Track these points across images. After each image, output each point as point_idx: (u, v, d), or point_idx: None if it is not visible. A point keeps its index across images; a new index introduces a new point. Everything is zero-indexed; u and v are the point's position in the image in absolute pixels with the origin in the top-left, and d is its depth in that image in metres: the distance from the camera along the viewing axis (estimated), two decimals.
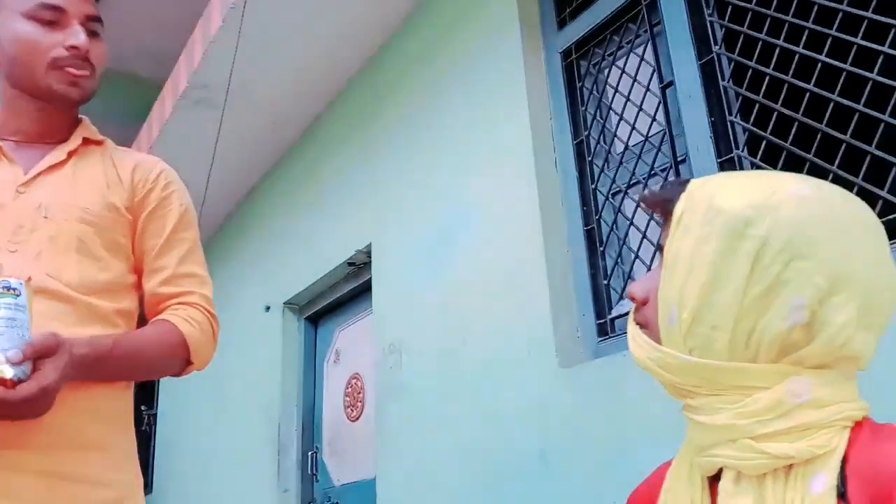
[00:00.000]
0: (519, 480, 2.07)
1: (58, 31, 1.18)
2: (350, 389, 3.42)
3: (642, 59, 2.13)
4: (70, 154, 1.22)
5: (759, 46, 1.80)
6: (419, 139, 2.87)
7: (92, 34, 1.21)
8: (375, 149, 3.16)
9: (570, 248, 2.19)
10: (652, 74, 2.08)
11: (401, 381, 2.73)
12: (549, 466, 1.98)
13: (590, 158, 2.23)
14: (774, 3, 1.79)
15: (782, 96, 1.73)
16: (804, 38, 1.70)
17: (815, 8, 1.70)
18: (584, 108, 2.29)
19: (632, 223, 2.06)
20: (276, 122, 3.79)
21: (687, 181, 0.77)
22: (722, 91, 1.87)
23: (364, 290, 3.31)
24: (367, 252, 3.17)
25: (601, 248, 2.13)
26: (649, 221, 2.00)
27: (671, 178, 1.95)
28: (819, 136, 1.63)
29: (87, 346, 1.03)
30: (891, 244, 1.41)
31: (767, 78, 1.78)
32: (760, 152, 1.74)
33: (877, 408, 0.75)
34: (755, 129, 1.78)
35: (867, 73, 1.55)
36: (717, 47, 1.90)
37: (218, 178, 3.47)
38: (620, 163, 2.14)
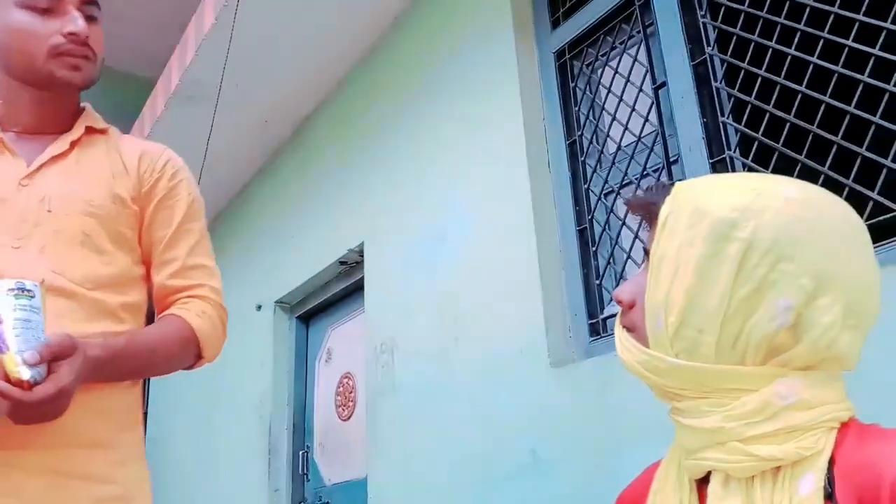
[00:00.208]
0: (510, 479, 2.07)
1: (55, 19, 1.15)
2: (341, 389, 3.41)
3: (635, 59, 2.13)
4: (73, 144, 1.20)
5: (751, 48, 1.80)
6: (412, 138, 2.86)
7: (89, 19, 1.18)
8: (367, 148, 3.16)
9: (563, 249, 2.19)
10: (645, 75, 2.08)
11: (392, 380, 2.72)
12: (541, 465, 1.98)
13: (582, 158, 2.23)
14: (767, 4, 1.79)
15: (774, 98, 1.73)
16: (796, 39, 1.71)
17: (807, 10, 1.70)
18: (577, 109, 2.29)
19: (624, 223, 2.07)
20: (269, 121, 3.78)
21: (672, 184, 0.77)
22: (714, 92, 1.88)
23: (356, 290, 3.30)
24: (360, 251, 3.16)
25: (593, 249, 2.13)
26: (641, 222, 1.99)
27: (664, 178, 1.95)
28: (811, 137, 1.64)
29: (101, 346, 1.01)
30: (883, 244, 1.43)
31: (760, 79, 1.78)
32: (752, 153, 1.75)
33: (870, 408, 0.75)
34: (747, 130, 1.78)
35: (858, 76, 1.56)
36: (710, 48, 1.90)
37: (209, 176, 3.44)
38: (613, 163, 2.14)
